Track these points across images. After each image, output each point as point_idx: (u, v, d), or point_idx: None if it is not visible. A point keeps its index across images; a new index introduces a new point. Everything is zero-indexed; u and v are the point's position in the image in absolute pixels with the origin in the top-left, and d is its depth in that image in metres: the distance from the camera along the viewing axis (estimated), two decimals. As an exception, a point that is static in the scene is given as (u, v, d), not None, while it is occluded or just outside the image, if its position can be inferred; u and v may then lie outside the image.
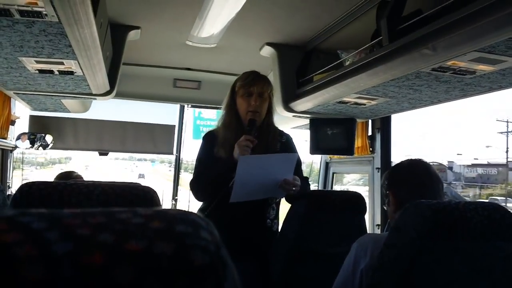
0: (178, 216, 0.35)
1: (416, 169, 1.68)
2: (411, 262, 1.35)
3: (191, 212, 0.37)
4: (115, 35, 2.59)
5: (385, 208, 1.82)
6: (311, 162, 4.16)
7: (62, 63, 2.11)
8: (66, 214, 0.33)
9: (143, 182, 2.17)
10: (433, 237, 1.34)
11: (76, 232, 0.32)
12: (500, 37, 1.42)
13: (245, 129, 2.23)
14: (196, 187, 2.30)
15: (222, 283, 0.33)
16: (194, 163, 2.41)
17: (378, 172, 3.16)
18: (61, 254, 0.30)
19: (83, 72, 2.25)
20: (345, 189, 3.85)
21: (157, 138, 3.92)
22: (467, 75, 1.86)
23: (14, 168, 3.55)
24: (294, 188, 2.15)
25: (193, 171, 2.37)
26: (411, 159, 1.75)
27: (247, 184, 2.09)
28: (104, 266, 0.30)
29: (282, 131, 2.48)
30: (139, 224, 0.34)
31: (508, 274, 1.43)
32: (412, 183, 1.65)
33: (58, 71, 2.25)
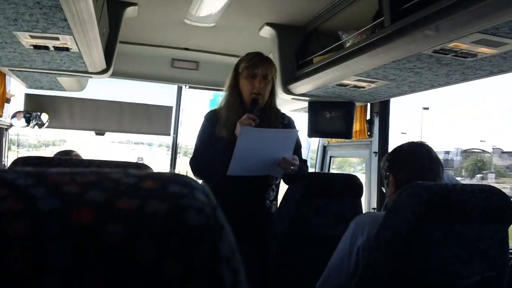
0: (172, 177, 0.34)
1: (417, 151, 1.68)
2: (407, 243, 1.35)
3: (187, 175, 0.35)
4: (112, 12, 2.54)
5: (383, 190, 1.82)
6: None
7: (57, 39, 2.07)
8: (53, 172, 0.32)
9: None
10: (430, 219, 1.33)
11: (63, 188, 0.30)
12: (504, 18, 1.40)
13: (248, 109, 2.22)
14: (197, 166, 2.29)
15: (217, 244, 0.31)
16: (194, 145, 2.40)
17: (376, 156, 3.15)
18: (47, 210, 0.28)
19: (78, 48, 2.21)
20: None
21: (154, 119, 3.89)
22: (468, 58, 1.84)
23: (9, 148, 3.53)
24: (292, 168, 2.14)
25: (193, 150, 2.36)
26: (412, 142, 1.74)
27: (246, 157, 2.08)
28: (93, 223, 0.29)
29: (284, 114, 2.47)
30: (131, 184, 0.32)
31: (504, 257, 1.43)
32: (412, 165, 1.65)
33: (54, 47, 2.21)
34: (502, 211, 1.40)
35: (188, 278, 0.29)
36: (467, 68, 1.99)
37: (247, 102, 2.28)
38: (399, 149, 1.75)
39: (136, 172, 0.34)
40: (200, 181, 1.78)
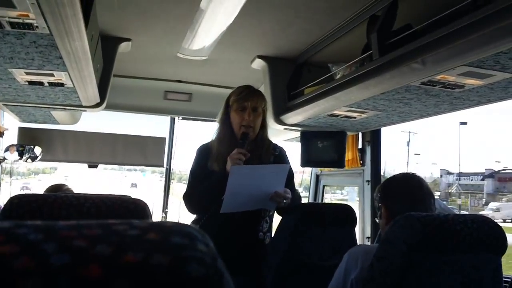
0: (174, 228, 0.35)
1: (409, 182, 1.70)
2: (401, 274, 1.35)
3: (187, 225, 0.37)
4: (106, 47, 2.58)
5: (377, 221, 1.83)
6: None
7: (52, 75, 2.10)
8: (62, 226, 0.33)
9: (136, 191, 2.16)
10: (423, 249, 1.34)
11: (72, 243, 0.31)
12: (489, 51, 1.45)
13: (238, 143, 2.24)
14: (190, 200, 2.31)
15: None
16: (188, 173, 2.42)
17: (368, 184, 3.17)
18: (59, 266, 0.30)
19: (73, 84, 2.24)
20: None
21: (147, 150, 3.89)
22: (456, 89, 1.88)
23: (1, 179, 3.51)
24: (285, 201, 2.16)
25: (186, 182, 2.38)
26: (404, 173, 1.77)
27: (238, 195, 2.10)
28: (101, 279, 0.30)
29: (275, 144, 2.49)
30: (135, 236, 0.33)
31: (498, 285, 1.44)
32: (404, 196, 1.67)
33: (48, 82, 2.24)
34: (494, 240, 1.42)
35: None
36: (455, 99, 2.04)
37: (238, 135, 2.30)
38: (391, 180, 1.77)
39: (139, 223, 0.35)
40: (193, 216, 1.80)
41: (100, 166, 3.82)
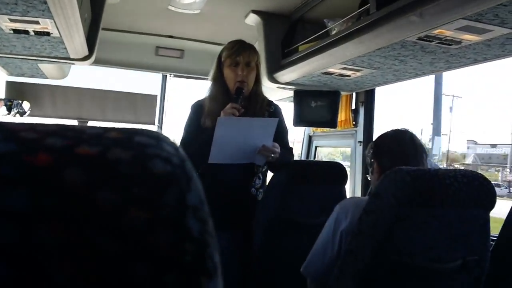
0: (140, 131, 0.32)
1: (401, 138, 1.69)
2: (389, 228, 1.35)
3: (156, 131, 0.34)
4: None
5: (368, 177, 1.82)
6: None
7: (37, 22, 2.03)
8: (12, 122, 0.30)
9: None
10: (412, 203, 1.33)
11: (20, 134, 0.28)
12: (488, 4, 1.40)
13: (232, 98, 2.21)
14: None
15: (185, 193, 0.30)
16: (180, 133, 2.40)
17: (360, 145, 3.16)
18: (1, 152, 0.27)
19: (60, 33, 2.17)
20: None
21: (138, 108, 3.83)
22: (452, 45, 1.84)
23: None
24: (273, 155, 2.14)
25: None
26: (396, 129, 1.75)
27: (225, 146, 2.09)
28: (51, 166, 0.27)
29: (271, 101, 2.47)
30: (94, 133, 0.30)
31: (485, 241, 1.44)
32: (396, 152, 1.66)
33: (34, 31, 2.16)
34: (483, 196, 1.41)
35: (152, 226, 0.27)
36: (451, 56, 1.99)
37: (232, 91, 2.27)
38: (384, 136, 1.75)
39: (102, 126, 0.32)
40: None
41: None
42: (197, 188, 0.31)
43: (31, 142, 0.28)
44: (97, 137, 0.29)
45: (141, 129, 0.33)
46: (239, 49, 2.29)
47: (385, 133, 1.77)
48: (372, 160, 1.73)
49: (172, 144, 0.33)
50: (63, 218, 0.26)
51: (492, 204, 1.42)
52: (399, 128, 1.75)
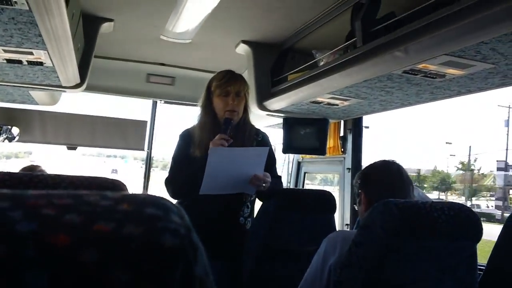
0: (148, 199, 0.35)
1: (388, 169, 1.72)
2: (379, 260, 1.37)
3: (161, 197, 0.36)
4: (88, 27, 2.54)
5: (356, 207, 1.85)
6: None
7: (31, 53, 2.06)
8: (30, 195, 0.32)
9: (116, 177, 2.13)
10: (401, 235, 1.36)
11: (41, 211, 0.31)
12: (470, 41, 1.46)
13: (221, 129, 2.24)
14: (172, 186, 2.30)
15: (193, 267, 0.32)
16: (170, 161, 2.41)
17: (349, 172, 3.19)
18: (25, 233, 0.29)
19: (52, 63, 2.20)
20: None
21: (128, 134, 3.84)
22: (437, 78, 1.90)
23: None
24: (264, 184, 2.16)
25: (168, 169, 2.37)
26: (384, 160, 1.79)
27: (217, 177, 2.10)
28: (70, 247, 0.29)
29: (258, 130, 2.49)
30: (107, 206, 0.33)
31: (472, 272, 1.47)
32: (384, 184, 1.69)
33: (27, 61, 2.19)
34: (470, 228, 1.45)
35: None
36: (436, 88, 2.05)
37: (221, 120, 2.30)
38: (371, 167, 1.79)
39: (112, 194, 0.35)
40: (174, 201, 1.79)
41: (78, 152, 3.76)
42: (203, 259, 0.33)
43: (51, 220, 0.30)
44: (110, 211, 0.32)
45: (149, 198, 0.35)
46: (230, 79, 2.32)
47: (373, 163, 1.80)
48: (359, 191, 1.76)
49: (179, 212, 0.35)
50: None
51: (478, 236, 1.45)
52: (387, 159, 1.79)
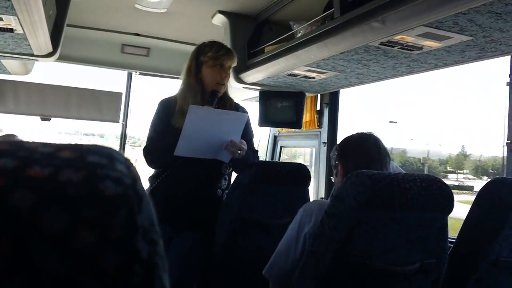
0: (93, 148, 0.32)
1: (365, 141, 1.72)
2: (350, 230, 1.37)
3: (109, 147, 0.34)
4: None
5: (332, 179, 1.85)
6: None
7: (1, 19, 1.98)
8: None
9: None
10: (372, 206, 1.36)
11: None
12: (448, 12, 1.44)
13: (207, 101, 2.21)
14: (152, 155, 2.25)
15: (135, 215, 0.30)
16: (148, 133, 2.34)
17: (325, 146, 3.20)
18: None
19: (23, 29, 2.12)
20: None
21: (103, 105, 3.76)
22: (414, 51, 1.89)
23: None
24: (239, 152, 2.15)
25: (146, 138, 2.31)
26: (361, 132, 1.78)
27: (193, 137, 2.07)
28: (1, 189, 0.27)
29: (237, 104, 2.47)
30: (46, 153, 0.30)
31: (442, 245, 1.49)
32: (361, 155, 1.68)
33: (-4, 27, 2.11)
34: (441, 200, 1.45)
35: (101, 248, 0.28)
36: (413, 61, 2.05)
37: (207, 91, 2.26)
38: (349, 139, 1.78)
39: (55, 143, 0.32)
40: (153, 170, 1.76)
41: (53, 129, 3.68)
42: (148, 209, 0.32)
43: None
44: (48, 157, 0.30)
45: (94, 147, 0.33)
46: (226, 53, 2.28)
47: (350, 136, 1.80)
48: (336, 162, 1.76)
49: (125, 162, 0.33)
50: (10, 239, 0.26)
51: (450, 208, 1.46)
52: (364, 131, 1.79)
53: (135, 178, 0.32)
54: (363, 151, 1.70)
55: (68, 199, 0.28)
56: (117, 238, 0.29)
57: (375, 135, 1.76)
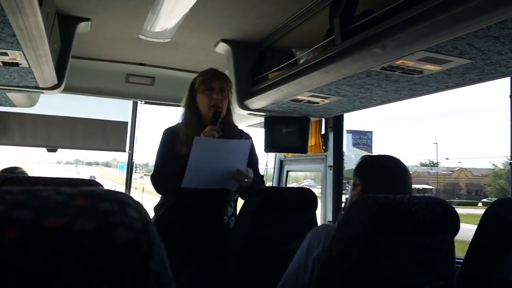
0: (104, 195, 0.34)
1: (392, 165, 1.71)
2: (358, 255, 1.37)
3: (121, 192, 0.35)
4: (64, 27, 2.50)
5: (349, 191, 1.83)
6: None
7: (6, 54, 2.02)
8: None
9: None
10: (380, 230, 1.36)
11: None
12: (446, 37, 1.47)
13: (210, 121, 2.22)
14: (158, 181, 2.27)
15: (148, 260, 0.31)
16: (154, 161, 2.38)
17: (331, 170, 3.20)
18: None
19: (28, 63, 2.16)
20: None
21: (109, 135, 3.80)
22: (415, 75, 1.91)
23: None
24: (246, 180, 2.15)
25: (153, 166, 2.35)
26: (384, 155, 1.78)
27: (200, 169, 2.08)
28: (18, 243, 0.28)
29: (241, 130, 2.48)
30: (60, 202, 0.32)
31: (451, 266, 1.48)
32: (387, 179, 1.68)
33: (2, 62, 2.15)
34: (447, 222, 1.45)
35: None
36: (415, 84, 2.07)
37: (206, 118, 2.28)
38: (375, 160, 1.78)
39: (68, 190, 0.33)
40: (159, 199, 1.76)
41: (52, 159, 3.69)
42: (160, 253, 0.32)
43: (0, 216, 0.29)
44: (63, 206, 0.31)
45: (106, 193, 0.34)
46: (214, 75, 2.31)
47: (376, 156, 1.79)
48: (357, 182, 1.75)
49: (136, 206, 0.34)
50: None
51: (456, 230, 1.46)
52: (387, 154, 1.79)
53: (146, 222, 0.33)
54: (385, 173, 1.69)
55: (83, 250, 0.29)
56: (130, 284, 0.29)
57: (396, 157, 1.75)
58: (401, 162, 1.73)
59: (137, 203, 0.35)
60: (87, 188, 0.34)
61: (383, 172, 1.70)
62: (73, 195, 0.33)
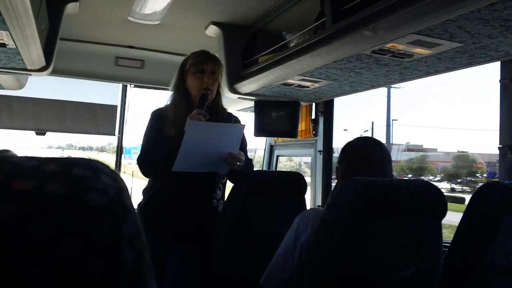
0: (78, 161, 0.33)
1: (367, 147, 1.71)
2: (345, 238, 1.37)
3: (95, 160, 0.35)
4: (52, 8, 2.46)
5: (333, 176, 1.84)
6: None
7: (-8, 34, 1.99)
8: None
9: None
10: (367, 213, 1.36)
11: None
12: (437, 19, 1.46)
13: (197, 105, 2.21)
14: (145, 164, 2.24)
15: (120, 225, 0.31)
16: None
17: (320, 154, 3.21)
18: None
19: (15, 44, 2.13)
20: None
21: (98, 118, 3.77)
22: (405, 58, 1.90)
23: None
24: (238, 163, 2.14)
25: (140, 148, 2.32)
26: (364, 137, 1.78)
27: (192, 153, 2.07)
28: None
29: (231, 113, 2.46)
30: (32, 166, 0.31)
31: (437, 249, 1.49)
32: (361, 162, 1.68)
33: (-11, 42, 2.12)
34: (435, 205, 1.46)
35: (86, 257, 0.28)
36: (405, 69, 2.06)
37: (195, 100, 2.26)
38: (350, 144, 1.77)
39: (41, 157, 0.33)
40: (147, 182, 1.74)
41: (42, 144, 3.67)
42: (134, 219, 0.32)
43: None
44: (34, 170, 0.30)
45: (80, 160, 0.33)
46: (205, 58, 2.28)
47: (352, 140, 1.78)
48: (337, 166, 1.76)
49: (111, 173, 0.33)
50: None
51: (443, 213, 1.47)
52: (369, 136, 1.79)
53: (121, 189, 0.33)
54: (363, 158, 1.70)
55: (53, 211, 0.28)
56: (102, 247, 0.29)
57: (376, 139, 1.75)
58: (377, 141, 1.73)
59: (112, 171, 0.34)
60: (60, 157, 0.34)
61: (354, 155, 1.71)
62: (45, 161, 0.32)
